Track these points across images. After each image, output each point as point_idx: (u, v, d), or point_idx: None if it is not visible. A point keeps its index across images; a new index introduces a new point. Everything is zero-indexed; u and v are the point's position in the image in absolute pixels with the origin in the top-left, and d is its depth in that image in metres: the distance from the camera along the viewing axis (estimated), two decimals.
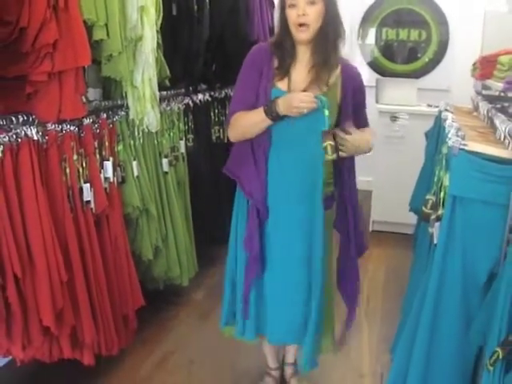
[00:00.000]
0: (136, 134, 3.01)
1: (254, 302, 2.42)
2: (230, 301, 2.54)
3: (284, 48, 2.26)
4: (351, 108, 2.31)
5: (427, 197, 2.42)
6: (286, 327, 2.45)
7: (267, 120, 2.19)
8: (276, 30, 2.34)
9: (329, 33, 2.21)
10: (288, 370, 2.81)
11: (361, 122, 2.38)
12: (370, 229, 5.22)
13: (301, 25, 2.16)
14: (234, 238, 2.51)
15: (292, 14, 2.17)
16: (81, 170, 2.53)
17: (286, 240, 2.36)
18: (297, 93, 2.18)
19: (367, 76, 6.28)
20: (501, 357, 1.69)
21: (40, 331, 2.32)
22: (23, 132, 2.25)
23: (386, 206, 5.00)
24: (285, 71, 2.26)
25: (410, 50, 6.31)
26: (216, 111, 4.17)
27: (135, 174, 2.95)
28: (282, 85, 2.26)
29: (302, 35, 2.19)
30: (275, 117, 2.17)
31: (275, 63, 2.28)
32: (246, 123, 2.27)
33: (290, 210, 2.34)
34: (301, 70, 2.27)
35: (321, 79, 2.24)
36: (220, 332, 2.64)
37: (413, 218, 3.54)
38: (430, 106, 4.97)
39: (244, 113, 2.26)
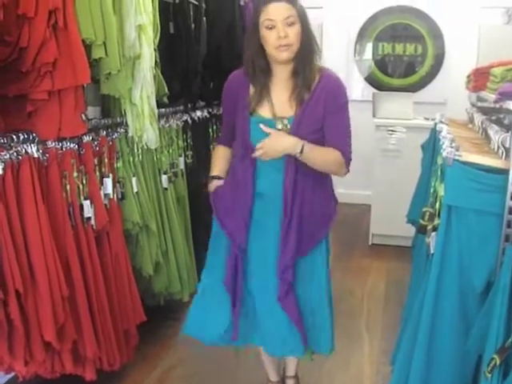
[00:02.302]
0: (135, 150, 3.04)
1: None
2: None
3: (258, 70, 2.23)
4: (323, 121, 2.24)
5: (424, 209, 2.44)
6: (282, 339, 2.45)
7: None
8: (247, 52, 2.26)
9: (307, 51, 2.19)
10: (289, 383, 2.82)
11: (332, 140, 2.25)
12: (370, 242, 5.24)
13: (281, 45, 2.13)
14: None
15: (271, 36, 2.12)
16: (81, 186, 2.55)
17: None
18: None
19: (364, 91, 6.36)
20: (498, 364, 1.71)
21: (42, 346, 2.33)
22: (24, 150, 2.28)
23: (385, 220, 5.02)
24: (264, 96, 2.25)
25: (406, 64, 6.37)
26: (214, 127, 4.20)
27: (135, 190, 2.97)
28: (264, 111, 2.26)
29: (283, 54, 2.15)
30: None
31: (251, 89, 2.27)
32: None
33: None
34: (281, 92, 2.26)
35: (302, 99, 2.22)
36: (221, 347, 2.61)
37: (412, 231, 3.55)
38: (426, 119, 4.99)
39: (215, 154, 2.52)
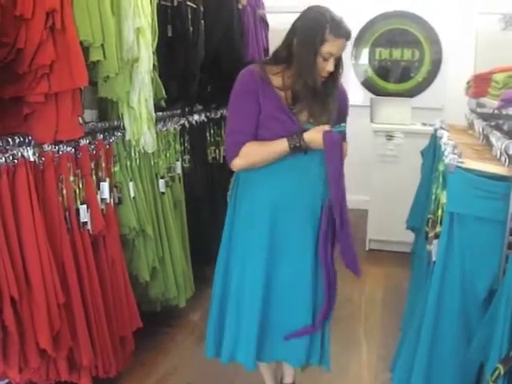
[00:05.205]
0: (132, 154, 3.01)
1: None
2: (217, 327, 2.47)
3: (308, 84, 2.19)
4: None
5: (428, 216, 2.42)
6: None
7: (288, 151, 2.20)
8: (302, 68, 2.18)
9: (335, 76, 2.25)
10: None
11: None
12: (367, 248, 5.21)
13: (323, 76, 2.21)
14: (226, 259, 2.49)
15: (323, 66, 2.17)
16: (77, 190, 2.52)
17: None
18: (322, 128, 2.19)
19: (361, 96, 6.33)
20: (502, 373, 1.68)
21: (37, 353, 2.29)
22: (20, 153, 2.25)
23: (383, 225, 4.99)
24: (303, 105, 2.25)
25: (403, 69, 6.35)
26: (212, 132, 4.17)
27: (132, 194, 2.94)
28: (303, 117, 2.27)
29: (319, 81, 2.21)
30: (300, 150, 2.19)
31: (281, 93, 2.24)
32: (264, 154, 2.23)
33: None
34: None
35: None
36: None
37: (409, 236, 3.54)
38: (424, 124, 4.99)
39: (260, 144, 2.22)
